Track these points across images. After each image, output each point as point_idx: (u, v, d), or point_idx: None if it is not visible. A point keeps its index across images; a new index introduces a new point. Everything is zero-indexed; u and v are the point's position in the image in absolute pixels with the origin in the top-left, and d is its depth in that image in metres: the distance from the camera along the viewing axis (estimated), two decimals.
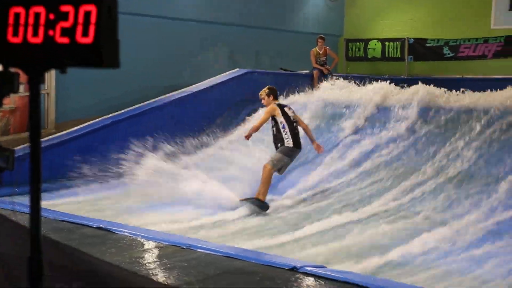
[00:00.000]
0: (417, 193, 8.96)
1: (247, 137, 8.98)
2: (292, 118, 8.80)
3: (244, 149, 10.25)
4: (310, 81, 14.86)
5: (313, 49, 15.13)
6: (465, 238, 7.20)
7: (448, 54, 17.19)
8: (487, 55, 16.53)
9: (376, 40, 18.64)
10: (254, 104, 13.67)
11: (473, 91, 11.36)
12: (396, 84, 12.45)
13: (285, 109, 8.88)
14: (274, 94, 9.10)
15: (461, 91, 11.51)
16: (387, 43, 18.37)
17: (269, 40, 17.15)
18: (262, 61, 16.50)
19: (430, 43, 17.54)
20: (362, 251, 6.79)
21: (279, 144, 8.75)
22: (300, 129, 9.02)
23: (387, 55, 18.41)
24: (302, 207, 8.84)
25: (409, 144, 10.48)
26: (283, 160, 8.67)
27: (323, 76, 14.84)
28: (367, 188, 9.42)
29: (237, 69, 14.37)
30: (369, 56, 18.79)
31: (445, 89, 11.58)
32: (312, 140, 9.23)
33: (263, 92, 9.10)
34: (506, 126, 9.82)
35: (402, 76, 16.75)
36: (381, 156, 10.35)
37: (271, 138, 9.13)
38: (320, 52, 15.08)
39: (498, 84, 11.73)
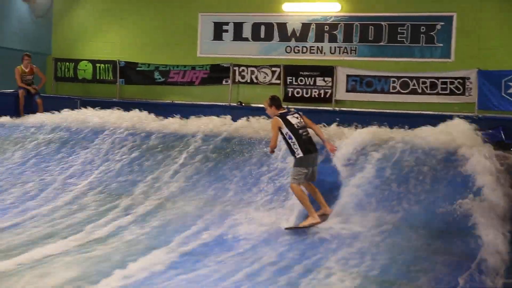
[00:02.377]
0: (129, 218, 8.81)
1: (271, 152, 8.61)
2: (297, 126, 8.32)
3: None
4: (15, 101, 13.88)
5: (18, 67, 14.16)
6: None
7: (159, 79, 17.60)
8: (195, 82, 17.33)
9: (86, 61, 18.24)
10: None
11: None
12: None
13: (288, 117, 8.39)
14: (276, 103, 8.57)
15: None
16: (98, 65, 18.11)
17: None
18: None
19: (141, 67, 17.76)
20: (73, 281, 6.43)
21: (293, 156, 8.38)
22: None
23: (98, 77, 18.14)
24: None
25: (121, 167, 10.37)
26: (301, 172, 8.20)
27: (30, 97, 13.98)
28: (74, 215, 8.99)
29: None
30: (79, 77, 18.30)
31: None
32: (323, 141, 8.67)
33: (265, 103, 8.63)
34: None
35: (114, 99, 16.67)
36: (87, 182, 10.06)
37: None
38: (26, 71, 14.18)
39: (205, 111, 12.39)
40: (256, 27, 17.29)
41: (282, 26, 17.05)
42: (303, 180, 8.29)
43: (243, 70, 16.98)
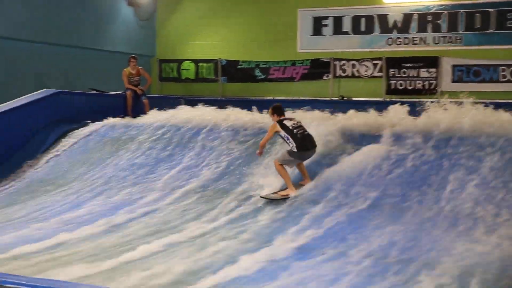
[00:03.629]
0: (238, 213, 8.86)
1: (259, 153, 9.63)
2: (291, 127, 9.21)
3: None
4: (123, 102, 14.39)
5: (125, 69, 14.67)
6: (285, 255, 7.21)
7: (260, 76, 17.73)
8: (295, 78, 17.30)
9: (189, 61, 18.69)
10: (64, 126, 12.96)
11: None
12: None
13: (285, 122, 9.33)
14: (277, 112, 9.50)
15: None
16: (200, 64, 18.51)
17: (78, 60, 16.38)
18: (71, 81, 15.68)
19: (242, 65, 17.96)
20: (183, 275, 6.54)
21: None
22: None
23: (200, 76, 18.53)
24: (125, 230, 8.37)
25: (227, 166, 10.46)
26: (288, 158, 9.13)
27: (137, 97, 14.46)
28: (183, 210, 9.14)
29: (45, 89, 13.47)
30: (182, 77, 18.78)
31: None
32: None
33: (269, 113, 9.63)
34: None
35: (217, 97, 16.96)
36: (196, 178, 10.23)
37: None
38: (133, 72, 14.65)
39: (305, 105, 12.26)
40: (356, 20, 17.03)
41: (383, 18, 16.70)
42: (284, 163, 9.13)
43: (343, 64, 16.78)
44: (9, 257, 7.24)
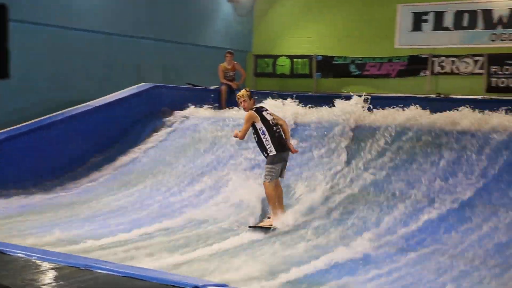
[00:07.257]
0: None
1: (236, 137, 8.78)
2: (271, 122, 8.38)
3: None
4: (218, 96, 14.66)
5: (221, 64, 14.94)
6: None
7: (355, 72, 17.50)
8: (391, 74, 16.94)
9: (285, 57, 18.74)
10: (160, 119, 13.38)
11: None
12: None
13: (264, 113, 8.45)
14: (254, 97, 8.65)
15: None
16: (295, 60, 18.52)
17: (176, 54, 16.84)
18: (169, 76, 16.16)
19: (337, 61, 17.80)
20: (272, 268, 6.62)
21: (264, 154, 8.43)
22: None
23: (295, 72, 18.54)
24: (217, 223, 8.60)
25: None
26: (274, 169, 8.28)
27: (231, 92, 14.68)
28: None
29: (143, 83, 13.98)
30: (277, 73, 18.86)
31: None
32: (286, 140, 8.59)
33: (245, 94, 8.47)
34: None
35: (310, 93, 16.90)
36: None
37: None
38: (229, 67, 14.90)
39: (402, 102, 11.93)
40: (458, 15, 16.45)
41: (487, 13, 16.02)
42: (273, 179, 8.21)
43: (442, 61, 16.24)
44: (101, 245, 7.58)
